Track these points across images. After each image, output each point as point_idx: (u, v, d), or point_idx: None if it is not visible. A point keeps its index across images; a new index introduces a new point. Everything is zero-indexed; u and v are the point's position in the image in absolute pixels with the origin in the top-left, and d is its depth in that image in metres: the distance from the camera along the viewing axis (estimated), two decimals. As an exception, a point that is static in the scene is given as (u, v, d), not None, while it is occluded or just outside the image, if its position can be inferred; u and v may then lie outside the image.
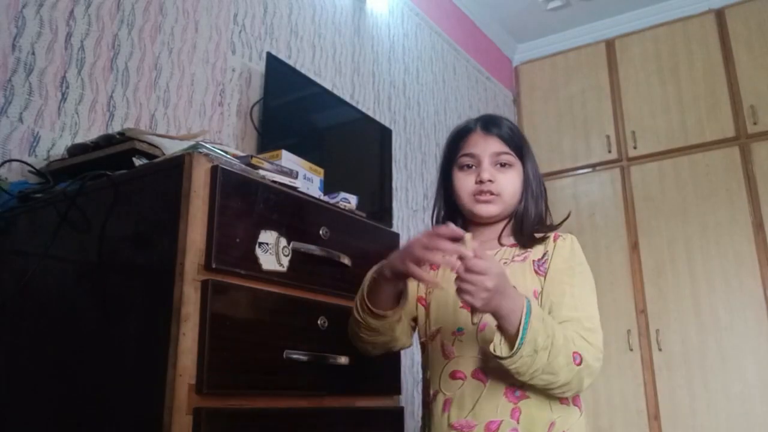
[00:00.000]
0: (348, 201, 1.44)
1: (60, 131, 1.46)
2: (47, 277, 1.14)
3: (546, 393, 1.00)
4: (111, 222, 1.05)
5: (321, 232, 1.20)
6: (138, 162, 1.14)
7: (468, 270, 0.87)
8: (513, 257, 1.10)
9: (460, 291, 0.89)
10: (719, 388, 2.84)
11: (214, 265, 0.97)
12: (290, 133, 1.93)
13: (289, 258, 1.11)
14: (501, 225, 1.14)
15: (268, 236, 1.07)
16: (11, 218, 1.25)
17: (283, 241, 1.10)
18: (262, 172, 1.14)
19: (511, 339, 0.91)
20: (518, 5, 3.53)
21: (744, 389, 2.79)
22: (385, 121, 2.61)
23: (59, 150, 1.42)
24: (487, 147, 1.12)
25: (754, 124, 3.05)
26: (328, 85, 2.28)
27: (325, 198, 1.39)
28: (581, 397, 1.07)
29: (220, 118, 1.88)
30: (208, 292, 0.95)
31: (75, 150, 1.29)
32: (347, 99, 2.37)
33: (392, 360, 1.33)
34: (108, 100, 1.58)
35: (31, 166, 1.34)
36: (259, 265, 1.05)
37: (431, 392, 1.08)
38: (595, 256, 3.27)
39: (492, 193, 1.10)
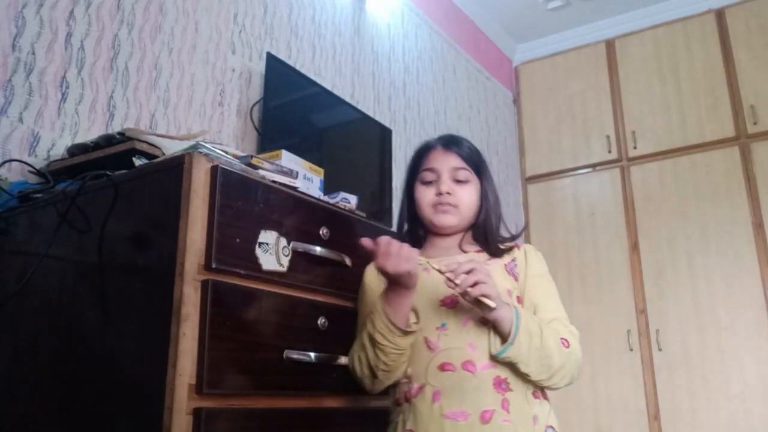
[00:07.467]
0: (348, 201, 1.44)
1: (60, 131, 1.46)
2: (47, 277, 1.14)
3: (532, 386, 1.08)
4: (111, 222, 1.05)
5: (321, 232, 1.20)
6: (138, 162, 1.14)
7: (471, 270, 1.02)
8: (485, 260, 1.18)
9: (475, 285, 1.01)
10: (719, 388, 2.84)
11: (214, 265, 0.97)
12: (290, 133, 1.93)
13: (289, 258, 1.11)
14: (460, 235, 1.23)
15: (268, 236, 1.07)
16: (11, 218, 1.25)
17: (283, 241, 1.10)
18: (262, 172, 1.14)
19: (504, 333, 1.04)
20: (518, 5, 3.53)
21: (744, 389, 2.79)
22: (385, 121, 2.60)
23: (59, 150, 1.42)
24: (446, 162, 1.21)
25: (754, 124, 3.05)
26: (328, 85, 2.28)
27: (325, 198, 1.39)
28: (547, 392, 1.14)
29: (220, 118, 1.88)
30: (208, 292, 0.95)
31: (75, 150, 1.29)
32: (347, 99, 2.37)
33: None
34: (108, 100, 1.58)
35: (31, 166, 1.34)
36: (259, 265, 1.04)
37: (415, 386, 1.09)
38: (595, 256, 3.27)
39: (450, 204, 1.19)
